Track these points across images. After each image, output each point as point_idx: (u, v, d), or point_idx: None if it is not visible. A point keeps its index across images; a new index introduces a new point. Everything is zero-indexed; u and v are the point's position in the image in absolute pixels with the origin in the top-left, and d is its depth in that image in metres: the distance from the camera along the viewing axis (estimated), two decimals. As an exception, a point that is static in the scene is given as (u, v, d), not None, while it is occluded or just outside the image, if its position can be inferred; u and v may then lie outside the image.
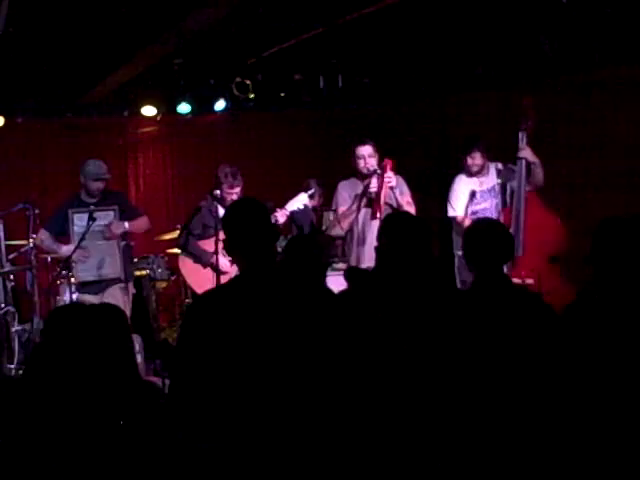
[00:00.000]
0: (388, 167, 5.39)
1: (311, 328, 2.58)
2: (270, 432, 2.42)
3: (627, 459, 2.59)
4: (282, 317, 2.55)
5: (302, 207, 5.87)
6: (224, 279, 5.81)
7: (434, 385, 2.87)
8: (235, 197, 5.88)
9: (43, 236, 6.09)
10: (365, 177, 5.58)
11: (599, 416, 2.64)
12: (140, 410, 2.69)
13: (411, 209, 5.48)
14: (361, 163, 5.57)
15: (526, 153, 5.41)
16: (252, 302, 2.56)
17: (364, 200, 5.51)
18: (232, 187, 5.90)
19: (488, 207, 5.79)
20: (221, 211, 5.91)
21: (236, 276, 2.73)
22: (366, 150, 5.58)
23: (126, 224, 6.07)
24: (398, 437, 2.78)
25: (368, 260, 5.23)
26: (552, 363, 2.81)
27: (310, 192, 5.98)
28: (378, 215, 5.26)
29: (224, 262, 5.81)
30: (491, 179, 5.83)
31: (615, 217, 2.82)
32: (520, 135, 5.38)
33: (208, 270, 5.98)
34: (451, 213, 5.95)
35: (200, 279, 6.01)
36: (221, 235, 5.59)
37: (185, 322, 2.71)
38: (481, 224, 3.68)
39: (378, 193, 5.37)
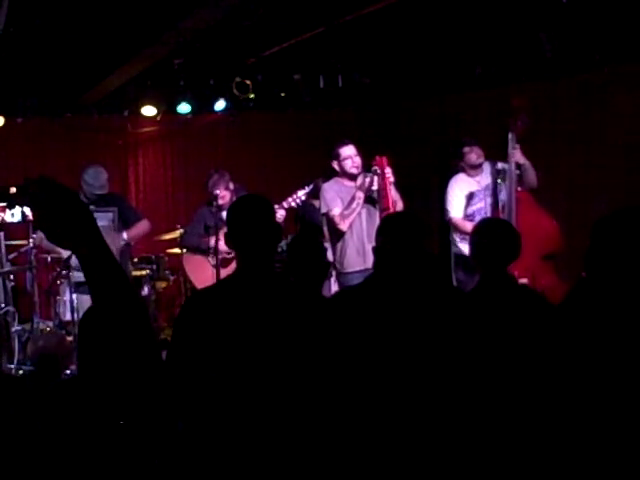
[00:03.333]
0: (385, 163, 5.42)
1: (303, 328, 2.58)
2: (260, 429, 2.43)
3: (629, 458, 2.59)
4: (273, 316, 2.56)
5: (300, 203, 5.90)
6: (225, 274, 5.85)
7: (437, 385, 2.87)
8: (221, 201, 5.99)
9: (43, 234, 6.10)
10: (353, 177, 5.59)
11: (604, 417, 2.63)
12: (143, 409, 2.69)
13: (402, 203, 5.59)
14: (349, 163, 5.59)
15: (516, 154, 5.41)
16: (245, 300, 2.57)
17: (363, 198, 5.50)
18: (215, 189, 6.03)
19: (483, 207, 5.78)
20: (223, 212, 5.98)
21: (232, 274, 2.74)
22: (351, 150, 5.62)
23: (124, 235, 6.10)
24: (400, 435, 2.79)
25: (370, 260, 5.24)
26: (555, 362, 2.80)
27: (308, 189, 5.97)
28: (391, 209, 5.30)
29: (225, 248, 5.86)
30: (485, 177, 5.83)
31: (611, 215, 2.81)
32: (510, 136, 5.39)
33: (210, 267, 6.02)
34: (448, 216, 5.96)
35: (203, 277, 6.03)
36: (217, 237, 5.72)
37: (178, 318, 2.72)
38: (488, 223, 3.69)
39: (383, 190, 5.39)
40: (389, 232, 3.16)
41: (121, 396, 1.62)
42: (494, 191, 5.67)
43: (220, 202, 6.03)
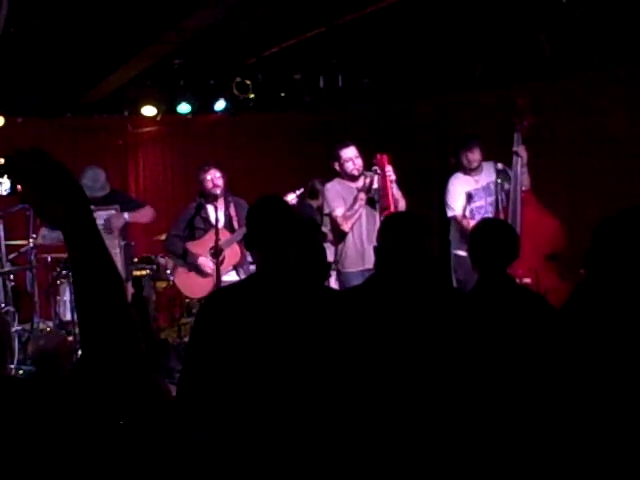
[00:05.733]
0: (385, 161, 5.40)
1: (321, 328, 2.59)
2: (276, 429, 2.43)
3: (629, 458, 2.59)
4: (294, 316, 2.56)
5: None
6: (208, 282, 5.71)
7: (438, 385, 2.87)
8: (212, 184, 5.80)
9: (44, 232, 6.09)
10: (354, 178, 5.57)
11: (605, 419, 2.63)
12: (143, 408, 2.69)
13: (404, 202, 5.54)
14: (350, 165, 5.56)
15: (522, 153, 5.41)
16: (265, 301, 2.57)
17: (365, 199, 5.48)
18: (206, 172, 5.82)
19: (483, 205, 5.76)
20: (210, 210, 5.84)
21: (253, 274, 2.78)
22: (352, 152, 5.59)
23: (126, 215, 6.02)
24: (400, 436, 2.79)
25: (369, 260, 5.23)
26: (554, 363, 2.80)
27: (299, 192, 5.90)
28: (392, 208, 5.27)
29: (207, 263, 5.76)
30: (485, 177, 5.80)
31: (613, 216, 2.81)
32: (515, 136, 5.38)
33: (196, 276, 5.91)
34: (450, 213, 5.92)
35: (189, 283, 5.95)
36: (217, 234, 5.60)
37: (199, 316, 2.73)
38: (487, 224, 3.68)
39: (384, 189, 5.37)
40: (390, 232, 3.16)
41: (115, 397, 1.58)
42: (495, 191, 5.66)
43: (214, 183, 5.80)
